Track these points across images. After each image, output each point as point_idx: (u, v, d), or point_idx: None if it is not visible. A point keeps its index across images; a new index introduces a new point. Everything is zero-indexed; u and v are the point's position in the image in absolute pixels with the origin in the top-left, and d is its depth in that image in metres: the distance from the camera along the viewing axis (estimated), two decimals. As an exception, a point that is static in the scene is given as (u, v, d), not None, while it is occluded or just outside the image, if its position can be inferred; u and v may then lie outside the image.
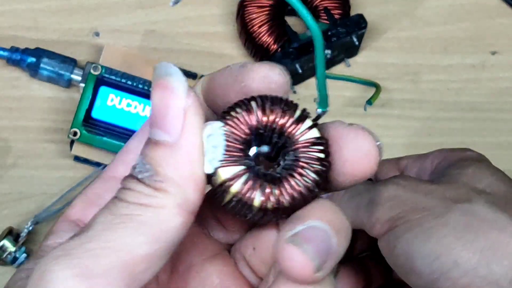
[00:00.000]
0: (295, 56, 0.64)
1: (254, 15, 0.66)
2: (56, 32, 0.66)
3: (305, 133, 0.32)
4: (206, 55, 0.67)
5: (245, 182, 0.31)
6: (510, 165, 0.66)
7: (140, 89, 0.62)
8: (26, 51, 0.64)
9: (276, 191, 0.31)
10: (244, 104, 0.32)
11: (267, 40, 0.65)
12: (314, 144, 0.32)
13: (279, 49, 0.65)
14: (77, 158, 0.63)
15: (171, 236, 0.30)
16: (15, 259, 0.60)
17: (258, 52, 0.66)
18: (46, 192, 0.63)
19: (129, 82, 0.62)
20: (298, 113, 0.32)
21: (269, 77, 0.32)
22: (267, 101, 0.32)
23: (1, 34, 0.66)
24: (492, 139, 0.67)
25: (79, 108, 0.62)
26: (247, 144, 0.32)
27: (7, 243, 0.60)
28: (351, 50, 0.67)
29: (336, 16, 0.66)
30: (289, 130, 0.32)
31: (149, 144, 0.31)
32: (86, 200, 0.35)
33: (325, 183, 0.32)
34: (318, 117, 0.33)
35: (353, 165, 0.32)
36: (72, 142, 0.62)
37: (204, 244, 0.31)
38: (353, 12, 0.68)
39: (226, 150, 0.31)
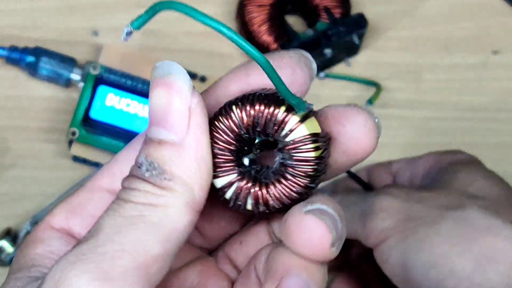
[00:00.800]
0: (295, 55, 0.63)
1: (254, 14, 0.66)
2: (55, 31, 0.66)
3: (293, 131, 0.31)
4: (206, 55, 0.66)
5: (237, 189, 0.31)
6: (510, 165, 0.66)
7: (139, 88, 0.62)
8: (25, 50, 0.64)
9: (265, 196, 0.31)
10: (224, 110, 0.31)
11: (267, 39, 0.65)
12: (303, 142, 0.31)
13: (279, 48, 0.65)
14: (76, 158, 0.63)
15: (181, 234, 0.30)
16: (13, 259, 0.60)
17: (258, 52, 0.66)
18: (44, 193, 0.62)
19: (129, 82, 0.62)
20: (283, 109, 0.30)
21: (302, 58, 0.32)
22: (247, 102, 0.31)
23: (0, 33, 0.65)
24: (493, 139, 0.67)
25: (78, 107, 0.61)
26: (238, 148, 0.31)
27: (5, 244, 0.59)
28: (352, 50, 0.67)
29: (337, 15, 0.66)
30: (275, 129, 0.31)
31: (152, 144, 0.30)
32: (69, 209, 0.34)
33: (317, 179, 0.31)
34: (308, 113, 0.31)
35: (357, 142, 0.32)
36: (70, 142, 0.62)
37: (182, 250, 0.31)
38: (353, 11, 0.67)
39: (216, 162, 0.31)
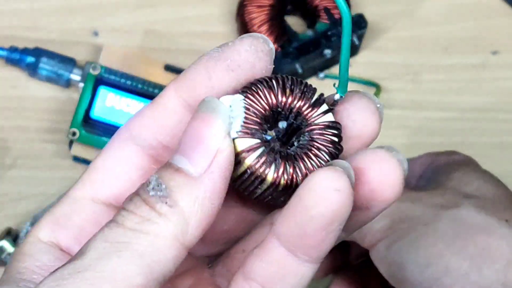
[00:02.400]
0: (295, 56, 0.63)
1: (254, 15, 0.66)
2: (55, 31, 0.66)
3: (321, 116, 0.32)
4: (206, 55, 0.66)
5: (261, 156, 0.31)
6: (510, 165, 0.66)
7: (139, 89, 0.62)
8: (25, 51, 0.64)
9: (290, 169, 0.31)
10: (266, 81, 0.32)
11: (267, 39, 0.65)
12: (329, 127, 0.32)
13: (279, 48, 0.65)
14: (76, 158, 0.63)
15: (165, 267, 0.29)
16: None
17: (258, 52, 0.66)
18: (45, 193, 0.62)
19: (129, 82, 0.62)
20: (316, 96, 0.32)
21: (255, 46, 0.32)
22: (288, 81, 0.32)
23: (0, 34, 0.65)
24: (492, 139, 0.67)
25: (78, 108, 0.61)
26: (265, 120, 0.32)
27: (5, 244, 0.59)
28: (351, 50, 0.67)
29: (336, 16, 0.66)
30: (306, 112, 0.32)
31: (169, 168, 0.30)
32: (54, 221, 0.33)
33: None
34: (335, 102, 0.33)
35: (359, 125, 0.32)
36: (71, 142, 0.62)
37: None
38: (353, 12, 0.67)
39: (245, 122, 0.31)
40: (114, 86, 0.62)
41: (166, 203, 0.29)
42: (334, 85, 0.33)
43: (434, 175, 0.48)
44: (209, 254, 0.36)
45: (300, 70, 0.64)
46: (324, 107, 0.32)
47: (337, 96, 0.33)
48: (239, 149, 0.31)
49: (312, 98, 0.32)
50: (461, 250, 0.42)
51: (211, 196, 0.30)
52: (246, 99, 0.31)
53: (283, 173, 0.31)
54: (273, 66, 0.33)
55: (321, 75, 0.67)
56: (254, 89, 0.32)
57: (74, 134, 0.61)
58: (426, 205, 0.44)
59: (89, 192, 0.33)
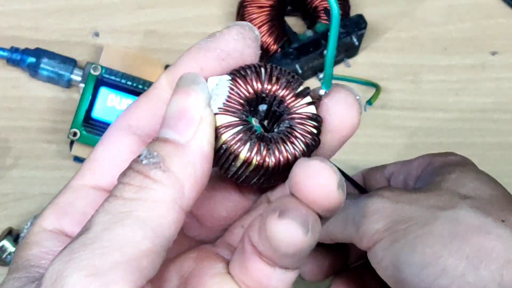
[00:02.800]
0: (295, 56, 0.64)
1: (254, 15, 0.66)
2: (56, 32, 0.66)
3: (303, 107, 0.34)
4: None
5: (238, 133, 0.32)
6: (510, 165, 0.67)
7: (140, 89, 0.62)
8: (26, 51, 0.64)
9: (264, 151, 0.32)
10: (254, 67, 0.33)
11: (267, 40, 0.66)
12: (310, 118, 0.33)
13: (279, 49, 0.65)
14: (77, 159, 0.63)
15: (168, 230, 0.31)
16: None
17: (258, 53, 0.66)
18: (46, 193, 0.63)
19: (129, 83, 0.62)
20: (301, 88, 0.34)
21: (242, 34, 0.33)
22: (275, 70, 0.33)
23: (1, 35, 0.66)
24: (492, 139, 0.67)
25: (79, 108, 0.62)
26: (249, 104, 0.33)
27: (7, 244, 0.60)
28: (351, 51, 0.67)
29: (336, 17, 0.66)
30: (290, 101, 0.33)
31: (157, 141, 0.32)
32: (57, 210, 0.35)
33: (310, 152, 0.34)
34: (320, 97, 0.34)
35: (339, 118, 0.34)
36: (72, 143, 0.62)
37: (178, 241, 0.32)
38: (353, 13, 0.68)
39: (227, 100, 0.33)
40: (114, 87, 0.62)
41: (160, 167, 0.31)
42: (319, 79, 0.34)
43: (431, 176, 0.48)
44: (208, 239, 0.37)
45: (300, 71, 0.64)
46: (308, 99, 0.34)
47: (322, 92, 0.34)
48: (218, 123, 0.32)
49: (297, 89, 0.34)
50: (457, 251, 0.42)
51: (201, 160, 0.31)
52: (232, 81, 0.33)
53: (256, 153, 0.32)
54: (260, 52, 0.34)
55: (321, 75, 0.67)
56: (242, 72, 0.33)
57: (75, 134, 0.61)
58: (423, 207, 0.45)
59: (89, 181, 0.35)
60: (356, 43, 0.66)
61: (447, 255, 0.42)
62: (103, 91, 0.62)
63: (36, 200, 0.62)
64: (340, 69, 0.67)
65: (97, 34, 0.66)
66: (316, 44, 0.64)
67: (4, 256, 0.60)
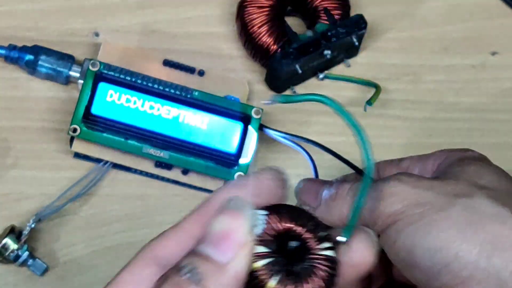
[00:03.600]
0: (295, 56, 0.64)
1: (254, 16, 0.66)
2: (56, 32, 0.66)
3: (325, 250, 0.38)
4: (206, 55, 0.67)
5: (269, 264, 0.36)
6: (510, 165, 0.67)
7: (139, 84, 0.62)
8: (24, 49, 0.64)
9: (289, 285, 0.36)
10: (288, 207, 0.38)
11: (267, 40, 0.66)
12: (329, 261, 0.38)
13: (279, 49, 0.65)
14: (77, 155, 0.63)
15: None
16: (17, 257, 0.60)
17: (258, 53, 0.66)
18: (46, 193, 0.63)
19: (128, 78, 0.62)
20: (323, 234, 0.38)
21: (274, 176, 0.39)
22: (305, 215, 0.39)
23: (0, 34, 0.66)
24: (492, 140, 0.67)
25: (78, 104, 0.62)
26: (277, 239, 0.37)
27: (9, 241, 0.60)
28: (351, 51, 0.67)
29: (336, 17, 0.66)
30: (314, 243, 0.38)
31: (198, 257, 0.35)
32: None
33: None
34: (337, 242, 0.39)
35: (356, 261, 0.40)
36: (72, 139, 0.62)
37: None
38: (353, 13, 0.68)
39: (263, 232, 0.37)
40: (113, 82, 0.62)
41: (197, 284, 0.34)
42: (342, 230, 0.40)
43: (449, 168, 0.48)
44: None
45: (300, 71, 0.64)
46: (329, 244, 0.38)
47: (342, 239, 0.39)
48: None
49: (320, 233, 0.38)
50: (472, 237, 0.42)
51: (235, 284, 0.35)
52: (269, 217, 0.37)
53: (281, 286, 0.36)
54: (285, 189, 0.39)
55: (321, 75, 0.67)
56: (278, 211, 0.38)
57: (74, 130, 0.61)
58: (440, 193, 0.45)
59: (167, 251, 0.38)
60: (356, 43, 0.66)
61: (460, 240, 0.42)
62: (102, 86, 0.62)
63: (36, 200, 0.62)
64: (340, 69, 0.67)
65: (97, 34, 0.66)
66: (316, 44, 0.64)
67: (6, 254, 0.60)
